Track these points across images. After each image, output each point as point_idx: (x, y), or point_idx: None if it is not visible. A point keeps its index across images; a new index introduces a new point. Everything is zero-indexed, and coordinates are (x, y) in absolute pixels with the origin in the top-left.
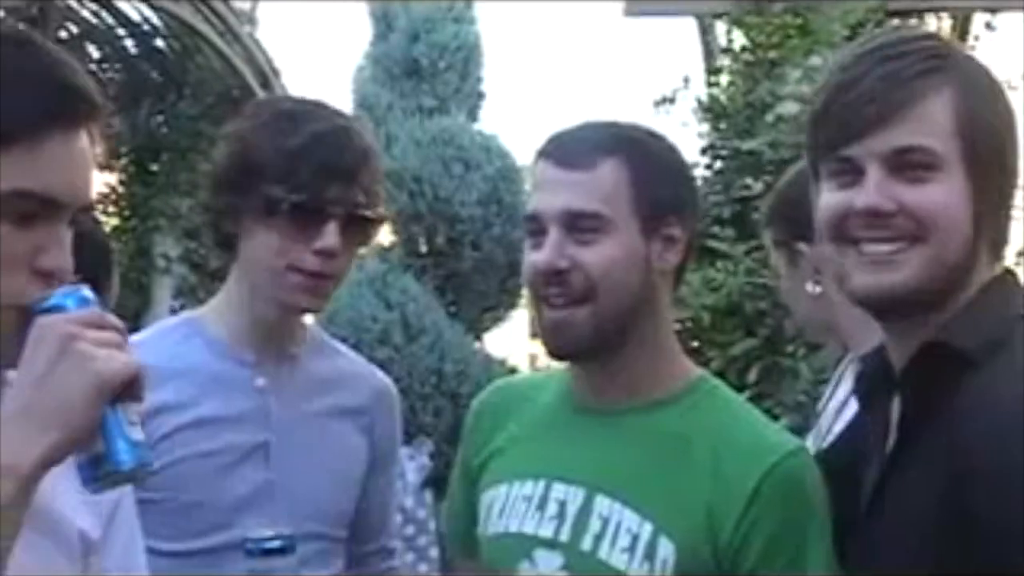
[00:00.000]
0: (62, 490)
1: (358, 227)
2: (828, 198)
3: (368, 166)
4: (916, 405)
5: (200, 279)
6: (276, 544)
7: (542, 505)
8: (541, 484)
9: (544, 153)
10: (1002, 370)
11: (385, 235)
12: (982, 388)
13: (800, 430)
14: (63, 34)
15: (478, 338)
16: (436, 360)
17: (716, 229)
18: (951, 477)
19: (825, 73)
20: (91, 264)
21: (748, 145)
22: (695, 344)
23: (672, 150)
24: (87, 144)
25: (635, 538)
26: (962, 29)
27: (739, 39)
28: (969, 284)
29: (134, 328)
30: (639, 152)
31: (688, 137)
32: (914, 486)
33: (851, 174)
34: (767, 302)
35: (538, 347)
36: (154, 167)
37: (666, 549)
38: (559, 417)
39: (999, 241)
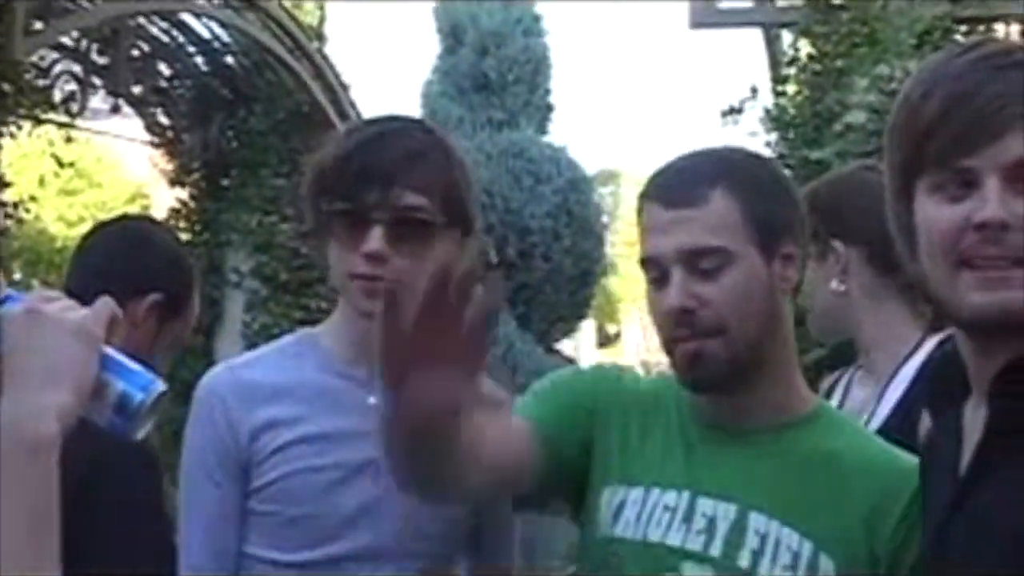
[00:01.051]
0: None
1: (410, 230)
2: (937, 212)
3: (418, 167)
4: (1005, 420)
5: (271, 292)
6: None
7: (688, 517)
8: (686, 496)
9: (648, 196)
10: None
11: None
12: None
13: None
14: (135, 52)
15: (549, 349)
16: (508, 371)
17: None
18: None
19: (894, 82)
20: (173, 282)
21: (816, 155)
22: None
23: (774, 170)
24: None
25: (796, 556)
26: None
27: (806, 48)
28: None
29: (207, 340)
30: (743, 178)
31: (756, 147)
32: (1000, 505)
33: (963, 187)
34: None
35: (606, 357)
36: (225, 182)
37: (827, 566)
38: (691, 431)
39: None
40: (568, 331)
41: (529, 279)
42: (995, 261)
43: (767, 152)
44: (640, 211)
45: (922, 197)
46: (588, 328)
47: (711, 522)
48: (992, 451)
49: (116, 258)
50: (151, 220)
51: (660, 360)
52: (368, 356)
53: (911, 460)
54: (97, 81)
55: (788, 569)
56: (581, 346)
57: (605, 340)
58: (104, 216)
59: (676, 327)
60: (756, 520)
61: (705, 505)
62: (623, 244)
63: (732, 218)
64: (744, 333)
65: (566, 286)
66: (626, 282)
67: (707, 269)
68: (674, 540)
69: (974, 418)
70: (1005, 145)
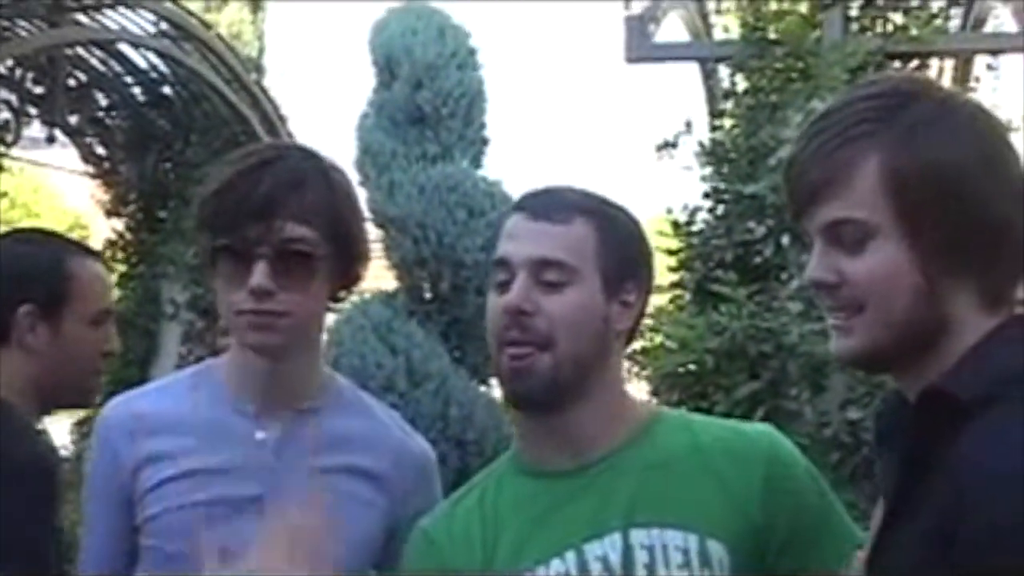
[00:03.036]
0: None
1: (295, 262)
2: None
3: (298, 196)
4: (914, 452)
5: (208, 325)
6: None
7: (583, 570)
8: (571, 555)
9: (519, 207)
10: (997, 421)
11: (389, 282)
12: (976, 438)
13: None
14: (71, 82)
15: (483, 383)
16: (441, 406)
17: (719, 273)
18: (941, 530)
19: None
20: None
21: (750, 189)
22: (700, 388)
23: (636, 223)
24: None
25: (686, 552)
26: (963, 71)
27: (742, 83)
28: (955, 332)
29: (142, 372)
30: (607, 217)
31: (691, 181)
32: (906, 537)
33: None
34: (770, 345)
35: None
36: (162, 214)
37: (718, 551)
38: (539, 491)
39: (991, 287)
40: None
41: (463, 313)
42: (836, 312)
43: (703, 186)
44: (506, 221)
45: None
46: None
47: (605, 562)
48: (905, 485)
49: None
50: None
51: None
52: (257, 391)
53: (759, 433)
54: (32, 110)
55: (683, 567)
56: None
57: None
58: None
59: (508, 328)
60: (638, 536)
61: (593, 550)
62: None
63: (587, 245)
64: (571, 352)
65: None
66: None
67: (551, 282)
68: None
69: None
70: (820, 210)
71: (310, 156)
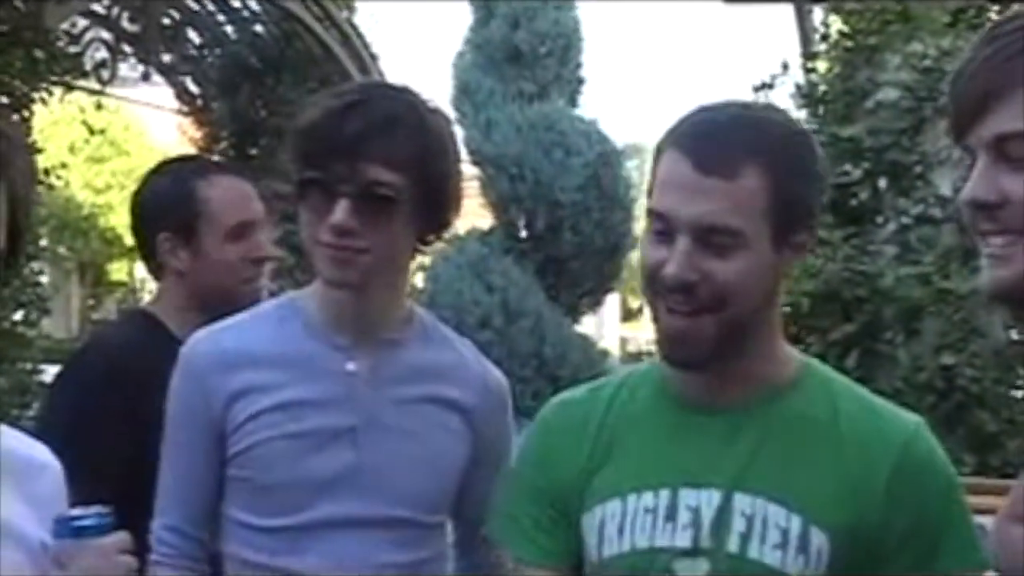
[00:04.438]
0: (17, 507)
1: (377, 205)
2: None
3: (386, 140)
4: None
5: (298, 261)
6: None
7: (671, 515)
8: (665, 493)
9: (679, 145)
10: None
11: (486, 219)
12: None
13: None
14: (166, 20)
15: (576, 321)
16: (536, 343)
17: None
18: None
19: (927, 60)
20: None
21: (847, 131)
22: (794, 330)
23: (811, 149)
24: None
25: (785, 533)
26: None
27: (837, 25)
28: None
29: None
30: (780, 158)
31: None
32: None
33: (972, 164)
34: (865, 288)
35: (629, 331)
36: (253, 151)
37: (819, 539)
38: (666, 418)
39: None
40: (595, 304)
41: (558, 252)
42: (992, 237)
43: None
44: (660, 154)
45: None
46: (612, 302)
47: (696, 513)
48: None
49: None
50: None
51: None
52: (345, 324)
53: (903, 424)
54: (127, 49)
55: (778, 548)
56: (605, 321)
57: (628, 314)
58: (130, 184)
59: (670, 293)
60: (741, 501)
61: (687, 497)
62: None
63: (759, 200)
64: (738, 314)
65: (595, 260)
66: None
67: (718, 245)
68: (662, 541)
69: None
70: (985, 123)
71: (407, 98)
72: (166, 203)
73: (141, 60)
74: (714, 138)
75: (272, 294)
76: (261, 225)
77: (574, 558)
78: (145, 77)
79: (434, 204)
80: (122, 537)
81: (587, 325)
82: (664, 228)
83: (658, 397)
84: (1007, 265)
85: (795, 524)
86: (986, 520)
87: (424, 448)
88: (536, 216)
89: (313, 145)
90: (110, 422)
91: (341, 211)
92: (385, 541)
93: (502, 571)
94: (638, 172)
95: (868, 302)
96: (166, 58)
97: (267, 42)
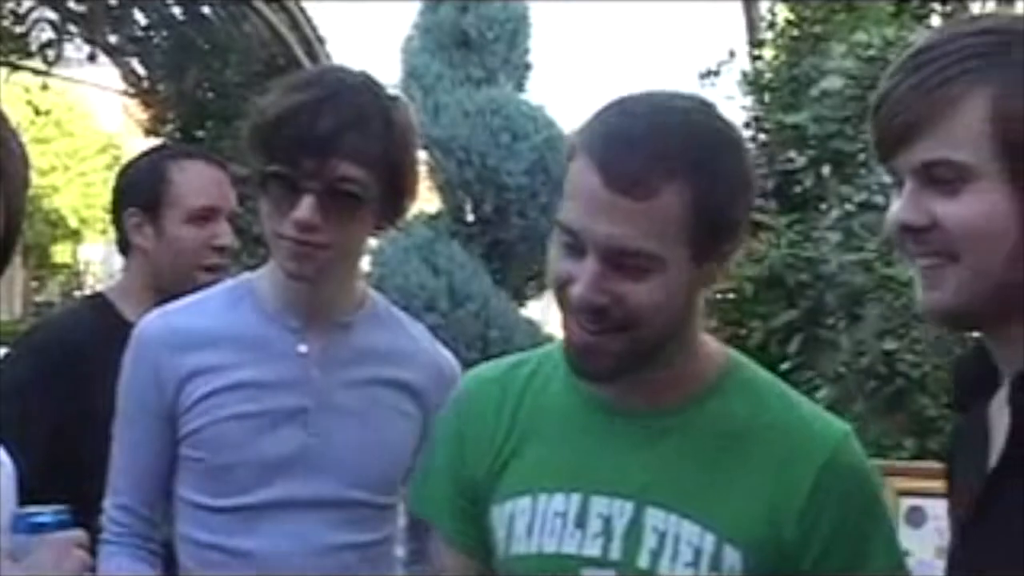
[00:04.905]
0: None
1: (342, 201)
2: (892, 206)
3: (356, 137)
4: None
5: (244, 244)
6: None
7: (582, 522)
8: (576, 498)
9: (591, 153)
10: None
11: (433, 203)
12: None
13: (838, 402)
14: (112, 1)
15: (522, 305)
16: (482, 326)
17: (759, 201)
18: None
19: (872, 49)
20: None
21: (792, 119)
22: (737, 315)
23: (741, 157)
24: None
25: (698, 551)
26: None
27: (783, 13)
28: None
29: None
30: (707, 170)
31: (732, 110)
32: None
33: (898, 185)
34: (808, 274)
35: None
36: (200, 134)
37: (732, 558)
38: (580, 418)
39: None
40: (542, 288)
41: (505, 236)
42: (922, 258)
43: (744, 115)
44: (573, 152)
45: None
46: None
47: (607, 523)
48: (1014, 459)
49: None
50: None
51: None
52: (298, 306)
53: (829, 433)
54: (73, 29)
55: (690, 566)
56: (551, 305)
57: None
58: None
59: (579, 311)
60: (653, 516)
61: (599, 505)
62: None
63: (677, 220)
64: (653, 331)
65: (541, 244)
66: None
67: (632, 268)
68: (570, 548)
69: (1000, 415)
70: (912, 150)
71: (373, 91)
72: (137, 179)
73: (87, 41)
74: (628, 151)
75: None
76: (228, 214)
77: (487, 547)
78: (91, 58)
79: (396, 197)
80: (78, 534)
81: (533, 310)
82: (574, 242)
83: (570, 393)
84: (938, 288)
85: (708, 542)
86: (925, 502)
87: (376, 430)
88: (483, 200)
89: (280, 139)
90: (56, 406)
91: (306, 207)
92: (337, 522)
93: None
94: None
95: (811, 288)
96: (112, 39)
97: (214, 24)
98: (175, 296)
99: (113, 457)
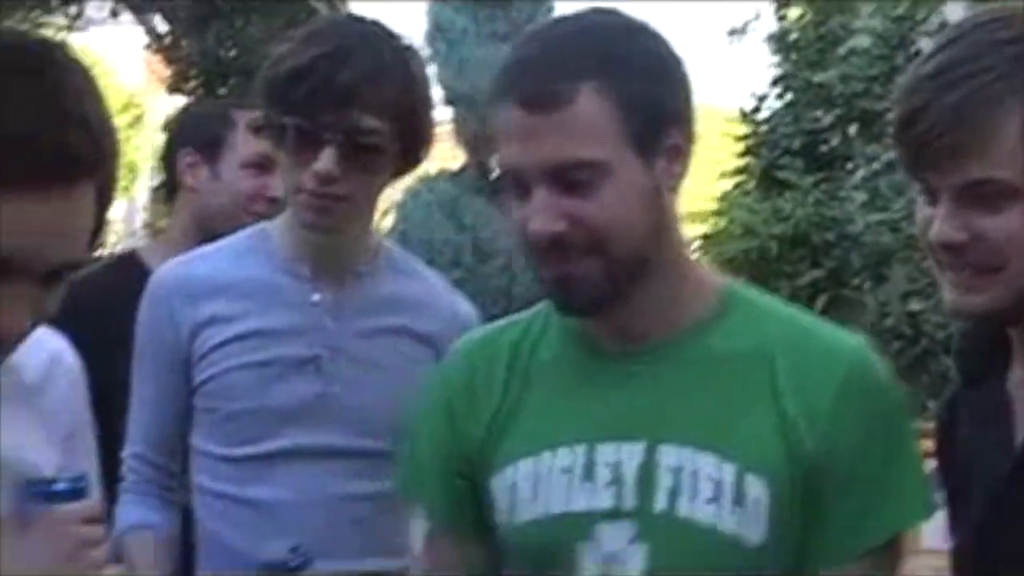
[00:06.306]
0: (17, 435)
1: (363, 152)
2: (921, 209)
3: (377, 88)
4: None
5: None
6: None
7: (589, 474)
8: (581, 449)
9: (503, 91)
10: None
11: (457, 159)
12: None
13: None
14: None
15: None
16: (507, 282)
17: (785, 160)
18: None
19: (900, 8)
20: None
21: (819, 77)
22: (762, 274)
23: (659, 50)
24: (75, 205)
25: (718, 485)
26: None
27: None
28: None
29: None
30: (615, 66)
31: (759, 69)
32: None
33: (928, 194)
34: (834, 233)
35: None
36: (222, 90)
37: (756, 488)
38: (578, 365)
39: None
40: None
41: None
42: (957, 271)
43: (771, 73)
44: (493, 106)
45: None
46: None
47: (616, 470)
48: None
49: None
50: None
51: None
52: (312, 255)
53: (845, 345)
54: None
55: (711, 503)
56: None
57: None
58: None
59: (544, 251)
60: (666, 453)
61: (606, 453)
62: None
63: (604, 120)
64: (624, 250)
65: None
66: None
67: (577, 183)
68: (579, 504)
69: (1022, 391)
70: (953, 172)
71: (391, 42)
72: (199, 120)
73: None
74: (532, 69)
75: None
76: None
77: (484, 525)
78: (113, 14)
79: (413, 147)
80: (88, 505)
81: None
82: (519, 184)
83: (567, 341)
84: (979, 293)
85: (728, 473)
86: None
87: (389, 379)
88: None
89: (299, 92)
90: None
91: (327, 159)
92: (349, 471)
93: None
94: None
95: (836, 247)
96: None
97: None
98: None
99: (131, 407)
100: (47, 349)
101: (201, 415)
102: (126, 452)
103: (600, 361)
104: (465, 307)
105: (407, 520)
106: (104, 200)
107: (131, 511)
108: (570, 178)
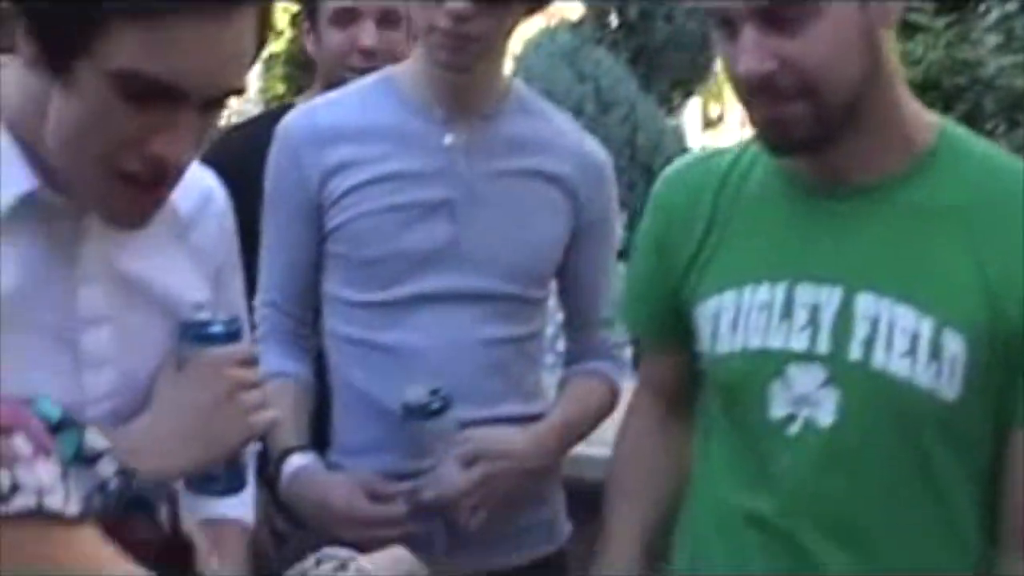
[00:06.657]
0: (168, 266)
1: None
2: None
3: None
4: None
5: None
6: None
7: (787, 313)
8: (782, 287)
9: None
10: None
11: (576, 9)
12: None
13: None
14: None
15: (670, 112)
16: (629, 132)
17: (916, 2)
18: None
19: None
20: None
21: None
22: None
23: None
24: (236, 29)
25: (915, 337)
26: None
27: None
28: None
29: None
30: None
31: None
32: None
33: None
34: (965, 77)
35: (709, 139)
36: None
37: (954, 344)
38: (784, 202)
39: None
40: (689, 95)
41: (650, 41)
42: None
43: None
44: None
45: None
46: (693, 108)
47: (814, 312)
48: None
49: None
50: None
51: None
52: (443, 97)
53: None
54: None
55: (906, 356)
56: (686, 128)
57: (708, 122)
58: None
59: (752, 93)
60: (864, 301)
61: (805, 293)
62: None
63: None
64: (836, 91)
65: (688, 48)
66: None
67: (787, 20)
68: (775, 342)
69: None
70: None
71: None
72: None
73: None
74: None
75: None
76: (368, 15)
77: (691, 348)
78: None
79: None
80: (242, 349)
81: (681, 118)
82: (728, 28)
83: (774, 178)
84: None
85: (926, 327)
86: None
87: (523, 221)
88: (628, 4)
89: None
90: None
91: None
92: (484, 315)
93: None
94: None
95: (968, 91)
96: None
97: None
98: None
99: (262, 255)
100: (199, 186)
101: (334, 261)
102: (258, 300)
103: (805, 199)
104: (594, 147)
105: (542, 364)
106: (263, 26)
107: (269, 359)
108: (779, 16)
